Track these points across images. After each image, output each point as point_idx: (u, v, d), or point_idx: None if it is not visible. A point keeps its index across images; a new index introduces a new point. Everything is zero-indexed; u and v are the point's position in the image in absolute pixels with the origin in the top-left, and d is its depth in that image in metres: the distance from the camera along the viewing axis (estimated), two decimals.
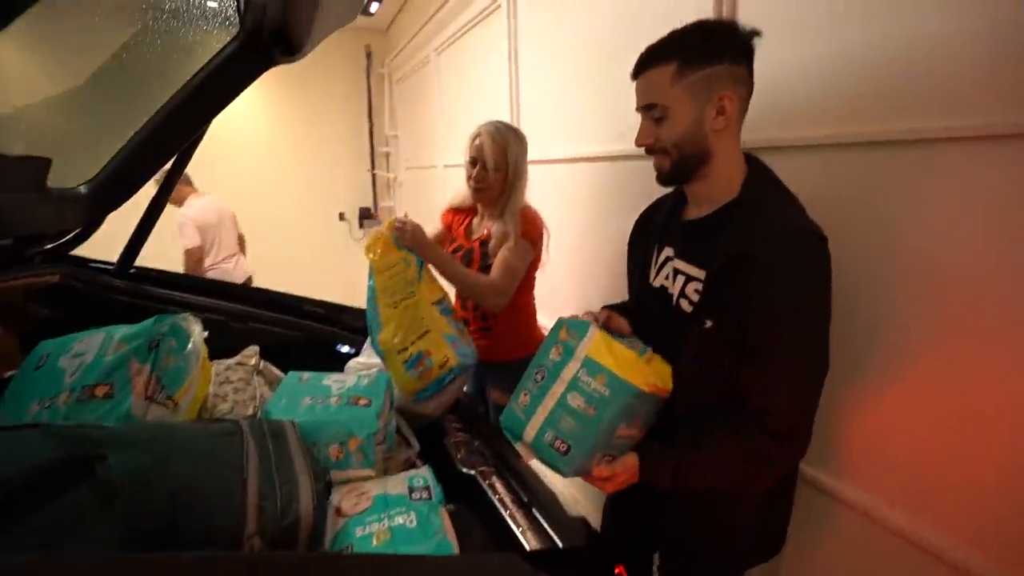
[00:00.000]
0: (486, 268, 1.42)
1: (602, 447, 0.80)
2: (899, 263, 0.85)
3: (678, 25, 1.24)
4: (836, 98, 0.93)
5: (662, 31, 1.32)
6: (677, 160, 0.82)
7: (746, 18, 1.10)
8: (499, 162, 1.40)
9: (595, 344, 0.81)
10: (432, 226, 1.68)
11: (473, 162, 1.43)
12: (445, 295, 1.25)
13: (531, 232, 1.40)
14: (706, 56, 0.77)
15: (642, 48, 1.43)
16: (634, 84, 0.85)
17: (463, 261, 1.47)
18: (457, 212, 1.59)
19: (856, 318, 0.89)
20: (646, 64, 0.82)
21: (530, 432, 0.84)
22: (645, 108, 0.83)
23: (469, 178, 1.44)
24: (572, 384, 0.82)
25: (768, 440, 0.76)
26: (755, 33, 0.78)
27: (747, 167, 0.84)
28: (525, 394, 0.88)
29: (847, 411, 0.95)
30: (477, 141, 1.42)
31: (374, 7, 3.11)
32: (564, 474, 0.84)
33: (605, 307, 1.15)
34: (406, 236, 1.22)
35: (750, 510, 0.89)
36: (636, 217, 1.10)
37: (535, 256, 1.44)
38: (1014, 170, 0.70)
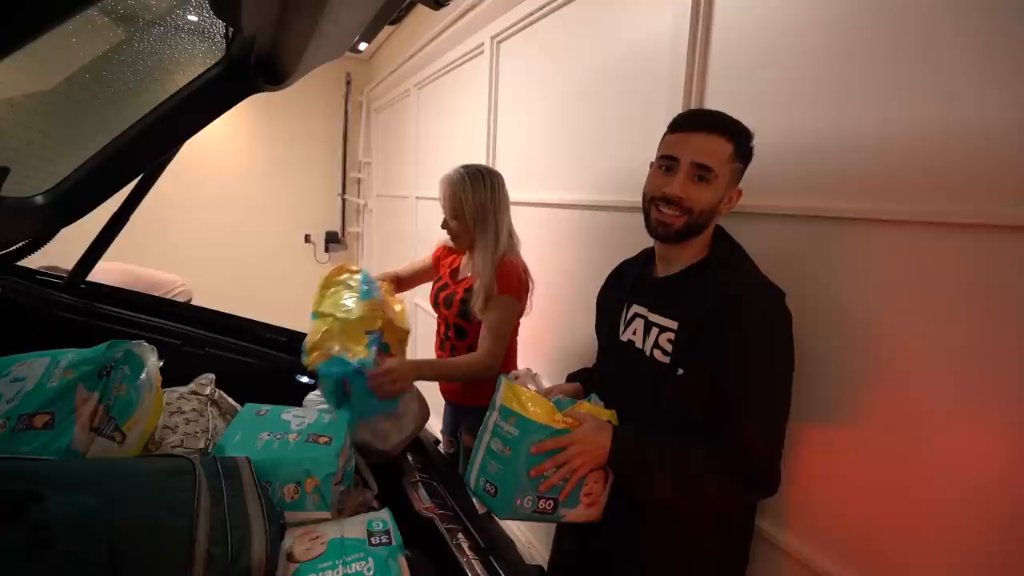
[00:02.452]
0: (463, 314, 1.43)
1: (528, 488, 0.84)
2: (841, 327, 0.92)
3: (648, 87, 1.34)
4: (793, 174, 1.01)
5: (633, 92, 1.42)
6: (692, 223, 0.86)
7: (713, 87, 1.19)
8: (456, 209, 1.37)
9: (504, 392, 0.90)
10: (406, 257, 1.69)
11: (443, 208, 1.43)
12: (381, 330, 1.20)
13: (511, 286, 1.36)
14: (746, 155, 0.87)
15: (613, 107, 1.52)
16: (675, 135, 0.87)
17: (445, 302, 1.47)
18: (449, 251, 1.59)
19: (797, 374, 0.93)
20: (709, 127, 0.84)
21: (471, 482, 0.91)
22: (697, 165, 0.84)
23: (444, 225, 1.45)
24: (493, 431, 0.89)
25: (738, 475, 0.80)
26: None
27: (713, 232, 0.92)
28: (474, 451, 0.95)
29: (792, 463, 0.99)
30: (439, 190, 1.41)
31: (362, 46, 3.16)
32: (500, 516, 0.88)
33: (570, 375, 1.19)
34: (392, 386, 1.16)
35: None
36: (601, 265, 1.15)
37: (521, 308, 1.41)
38: (947, 254, 0.78)
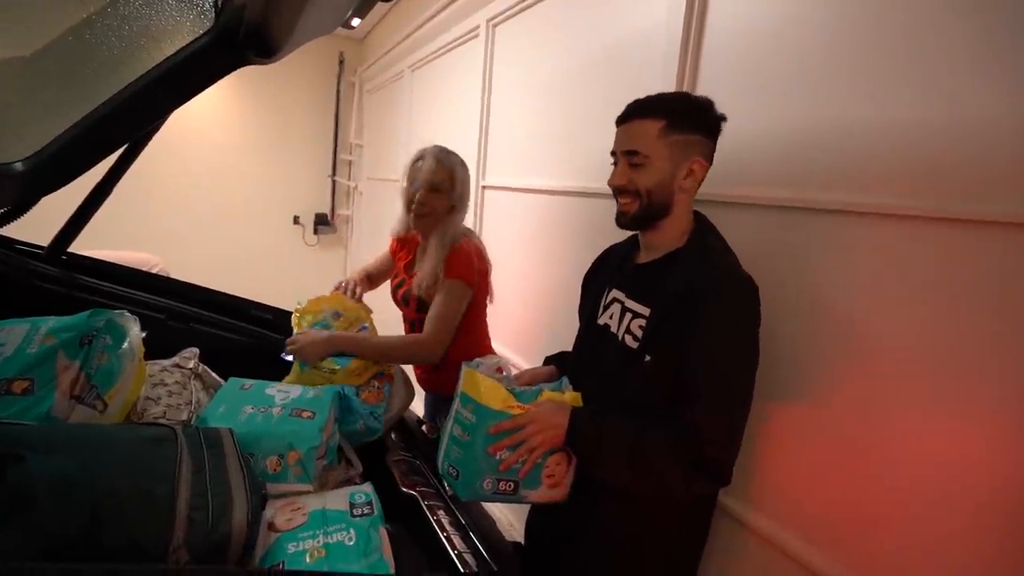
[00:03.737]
0: (422, 309, 1.38)
1: (488, 470, 0.86)
2: (819, 317, 0.94)
3: (642, 76, 1.35)
4: (780, 165, 1.02)
5: (627, 79, 1.42)
6: (645, 205, 0.88)
7: (705, 79, 1.20)
8: (444, 183, 1.33)
9: (465, 380, 0.93)
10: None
11: (413, 182, 1.35)
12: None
13: (460, 271, 1.31)
14: (690, 124, 0.86)
15: (607, 93, 1.53)
16: (617, 129, 0.91)
17: (403, 300, 1.43)
18: (402, 244, 1.53)
19: (773, 361, 0.95)
20: (635, 114, 0.88)
21: (439, 466, 0.94)
22: (626, 153, 0.88)
23: (410, 202, 1.35)
24: (455, 418, 0.91)
25: (690, 462, 0.81)
26: (723, 118, 0.89)
27: (694, 220, 0.93)
28: (440, 436, 0.98)
29: (762, 444, 1.02)
30: (419, 163, 1.35)
31: (355, 22, 3.10)
32: (462, 498, 0.91)
33: (547, 358, 1.21)
34: (303, 353, 1.19)
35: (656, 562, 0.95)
36: (591, 252, 1.16)
37: (474, 293, 1.36)
38: (926, 248, 0.80)
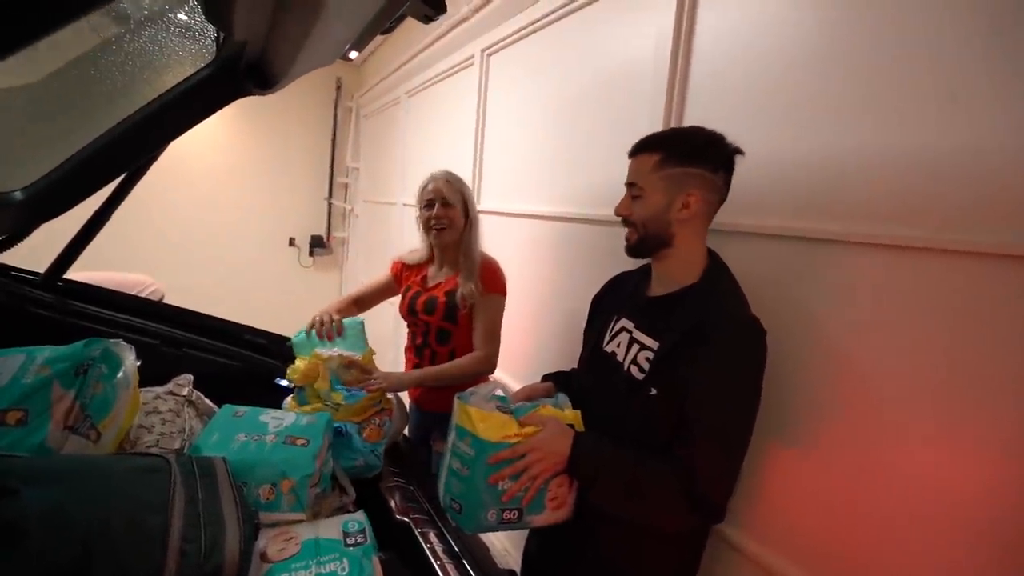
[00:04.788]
0: (448, 317, 1.46)
1: (491, 503, 0.86)
2: (817, 346, 0.95)
3: (632, 105, 1.39)
4: (768, 194, 1.04)
5: (618, 109, 1.46)
6: (643, 235, 0.93)
7: (692, 108, 1.24)
8: (455, 196, 1.48)
9: (458, 413, 0.92)
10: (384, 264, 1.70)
11: (430, 204, 1.48)
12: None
13: (495, 284, 1.47)
14: (686, 157, 0.89)
15: (600, 122, 1.57)
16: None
17: (426, 309, 1.49)
18: (409, 267, 1.63)
19: (773, 392, 0.96)
20: (638, 149, 0.94)
21: (440, 499, 0.93)
22: (628, 185, 0.95)
23: (429, 221, 1.48)
24: (453, 451, 0.91)
25: (684, 496, 0.81)
26: (738, 151, 0.90)
27: (708, 258, 0.94)
28: (439, 469, 0.98)
29: (760, 471, 1.03)
30: (431, 186, 1.49)
31: (353, 54, 3.18)
32: (468, 531, 0.91)
33: (545, 375, 1.22)
34: (384, 388, 1.24)
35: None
36: (584, 279, 1.18)
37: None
38: (922, 279, 0.81)
